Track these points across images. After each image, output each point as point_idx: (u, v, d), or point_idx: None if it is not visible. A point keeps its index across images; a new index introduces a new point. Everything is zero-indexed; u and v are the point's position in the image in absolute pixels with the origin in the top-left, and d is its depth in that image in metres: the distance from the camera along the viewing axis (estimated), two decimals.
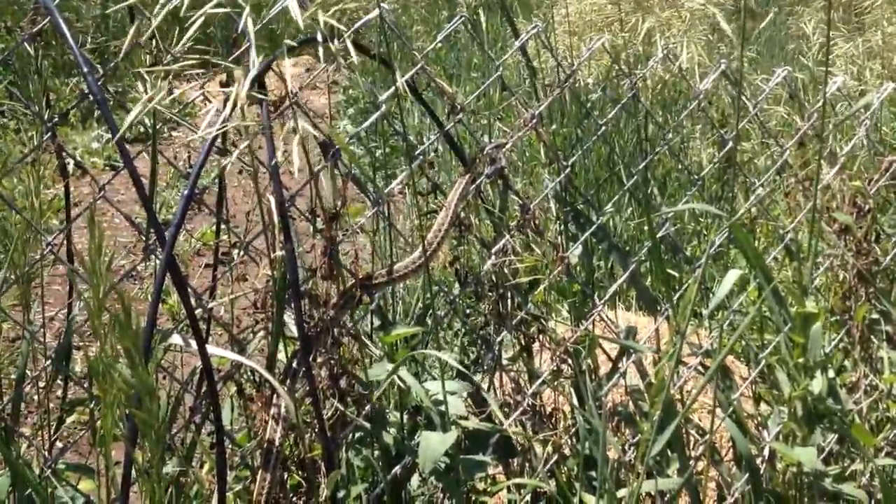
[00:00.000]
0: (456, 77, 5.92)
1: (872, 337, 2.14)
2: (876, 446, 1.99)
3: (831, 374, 2.07)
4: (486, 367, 1.86)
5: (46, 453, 1.65)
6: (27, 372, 1.63)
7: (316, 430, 1.61)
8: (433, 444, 1.60)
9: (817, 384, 1.72)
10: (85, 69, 1.38)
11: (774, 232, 2.06)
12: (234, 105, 1.48)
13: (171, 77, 1.52)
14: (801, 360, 1.74)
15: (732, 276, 1.51)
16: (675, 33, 2.66)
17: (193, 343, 1.56)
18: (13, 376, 1.62)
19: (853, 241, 2.13)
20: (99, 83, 1.50)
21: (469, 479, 1.68)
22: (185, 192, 1.40)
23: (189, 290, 1.45)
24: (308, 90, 9.33)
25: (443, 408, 1.69)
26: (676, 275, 2.43)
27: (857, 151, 2.23)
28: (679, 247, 1.97)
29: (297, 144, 1.23)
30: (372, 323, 1.84)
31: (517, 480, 1.74)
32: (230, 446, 1.71)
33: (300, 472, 1.67)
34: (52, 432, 1.66)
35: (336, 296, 1.75)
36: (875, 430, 2.14)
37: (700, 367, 1.99)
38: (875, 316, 2.16)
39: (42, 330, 1.68)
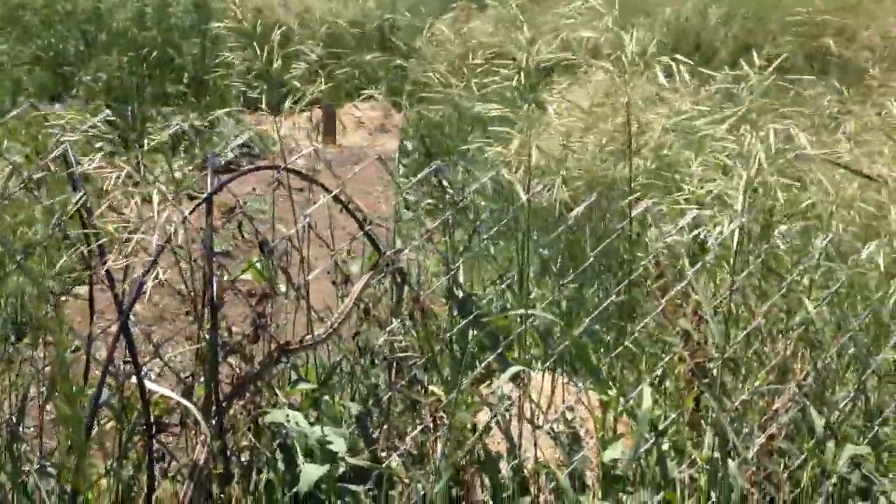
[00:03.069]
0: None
1: (703, 421, 2.66)
2: None
3: (666, 446, 2.62)
4: (373, 419, 2.44)
5: (39, 453, 2.29)
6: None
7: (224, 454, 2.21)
8: (309, 473, 2.19)
9: (608, 455, 2.26)
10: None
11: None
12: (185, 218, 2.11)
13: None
14: (600, 434, 2.28)
15: (512, 370, 2.08)
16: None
17: (153, 385, 2.20)
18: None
19: (692, 343, 2.66)
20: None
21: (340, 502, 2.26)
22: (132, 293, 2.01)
23: (135, 348, 2.07)
24: (383, 134, 10.06)
25: (328, 446, 2.28)
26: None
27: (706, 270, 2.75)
28: (543, 334, 2.53)
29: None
30: (289, 378, 2.44)
31: None
32: (170, 461, 2.33)
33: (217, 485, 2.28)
34: (41, 437, 2.29)
35: (263, 356, 2.36)
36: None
37: (551, 430, 2.54)
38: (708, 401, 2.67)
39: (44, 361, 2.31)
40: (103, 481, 2.30)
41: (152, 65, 10.30)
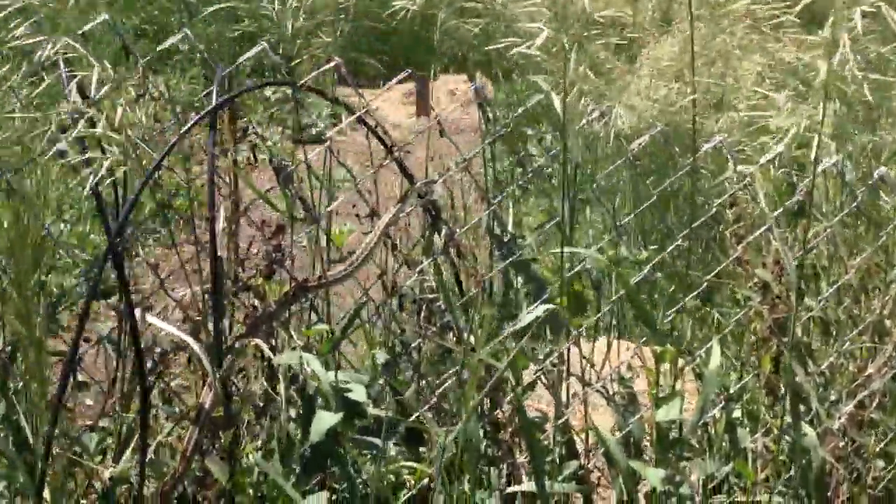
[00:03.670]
0: None
1: (780, 384, 2.32)
2: (756, 481, 2.18)
3: (737, 413, 2.30)
4: (401, 367, 2.20)
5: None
6: None
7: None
8: (323, 420, 1.96)
9: (661, 415, 1.96)
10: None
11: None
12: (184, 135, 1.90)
13: None
14: (652, 391, 1.98)
15: (536, 310, 1.79)
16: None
17: (155, 320, 2.00)
18: None
19: (771, 297, 2.32)
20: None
21: (352, 453, 2.02)
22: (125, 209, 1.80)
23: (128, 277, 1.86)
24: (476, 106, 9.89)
25: (346, 394, 2.04)
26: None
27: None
28: (595, 283, 2.24)
29: None
30: (310, 319, 2.21)
31: (404, 464, 2.06)
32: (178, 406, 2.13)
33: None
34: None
35: (278, 293, 2.14)
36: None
37: (602, 389, 2.24)
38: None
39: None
40: (105, 422, 2.13)
41: (249, 37, 10.29)
